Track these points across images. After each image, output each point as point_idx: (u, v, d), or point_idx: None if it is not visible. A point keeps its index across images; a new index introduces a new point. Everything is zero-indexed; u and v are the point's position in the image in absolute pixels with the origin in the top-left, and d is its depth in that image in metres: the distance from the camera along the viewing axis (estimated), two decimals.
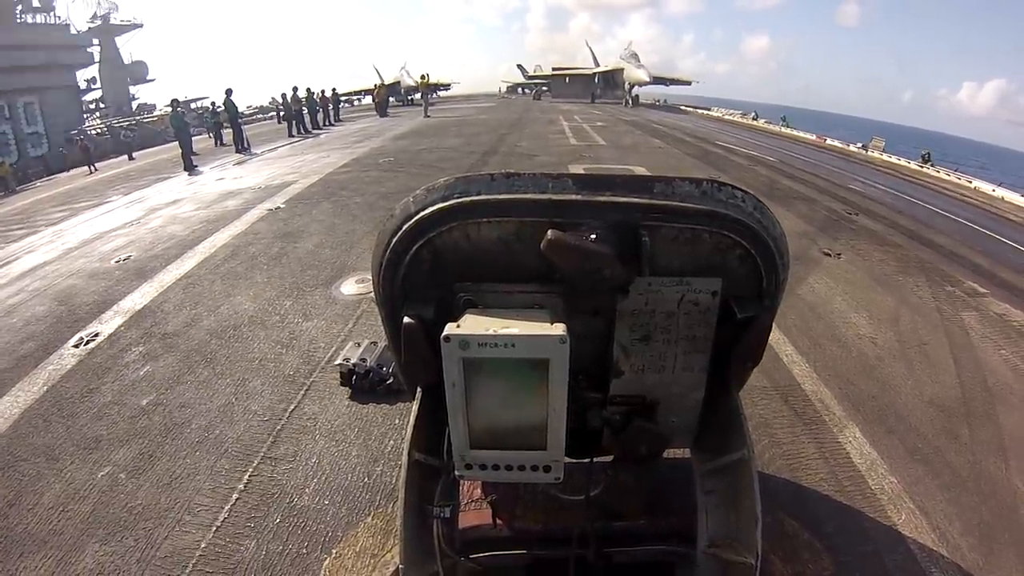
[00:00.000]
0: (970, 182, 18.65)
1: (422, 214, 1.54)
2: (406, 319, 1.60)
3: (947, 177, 19.56)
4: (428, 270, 1.63)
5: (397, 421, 3.64)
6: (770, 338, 4.90)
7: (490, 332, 1.41)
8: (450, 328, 1.43)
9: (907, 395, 4.31)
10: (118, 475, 3.26)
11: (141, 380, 4.20)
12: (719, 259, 1.62)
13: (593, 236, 1.42)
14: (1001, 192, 17.11)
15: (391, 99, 37.32)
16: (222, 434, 3.58)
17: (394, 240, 1.59)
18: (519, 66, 65.09)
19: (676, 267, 1.62)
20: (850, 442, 3.68)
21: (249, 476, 3.21)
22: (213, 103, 27.06)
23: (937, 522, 3.11)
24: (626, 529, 2.24)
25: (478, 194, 1.51)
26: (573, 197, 1.48)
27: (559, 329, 1.42)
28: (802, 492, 3.22)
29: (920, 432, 3.87)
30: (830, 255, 7.50)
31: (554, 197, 1.48)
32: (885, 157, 22.92)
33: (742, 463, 1.82)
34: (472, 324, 1.47)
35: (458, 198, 1.52)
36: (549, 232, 1.41)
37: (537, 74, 60.37)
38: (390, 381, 3.82)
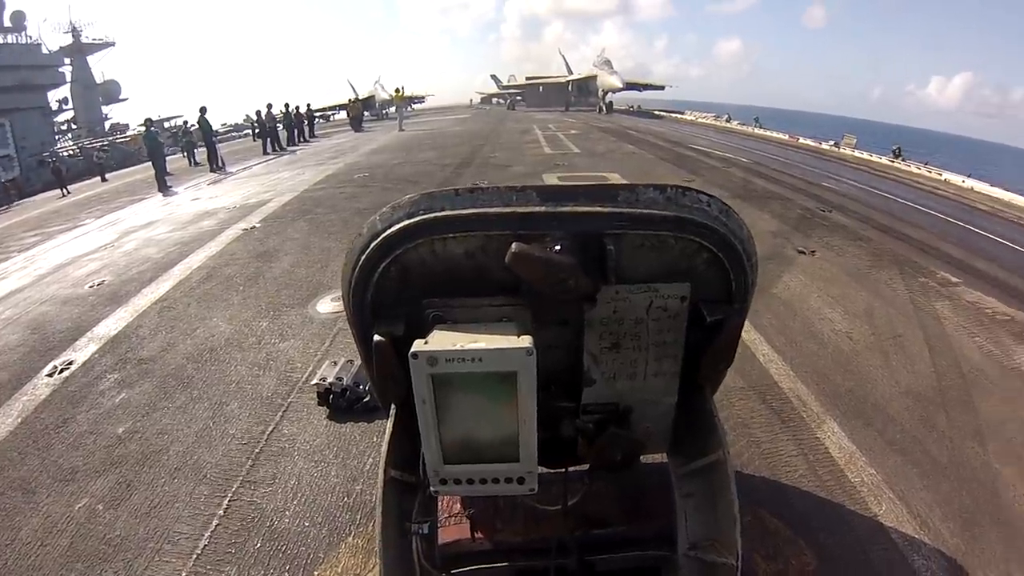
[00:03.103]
0: (940, 174, 18.99)
1: (388, 232, 1.54)
2: (376, 337, 1.60)
3: (918, 170, 19.90)
4: (396, 287, 1.62)
5: (375, 439, 3.61)
6: (746, 338, 4.94)
7: (457, 347, 1.41)
8: (418, 345, 1.43)
9: (884, 387, 4.37)
10: (95, 506, 3.20)
11: (117, 408, 4.13)
12: (686, 264, 1.62)
13: (558, 247, 1.43)
14: (971, 183, 17.45)
15: (366, 113, 37.25)
16: (200, 459, 3.53)
17: (362, 259, 1.58)
18: (493, 76, 65.47)
19: (643, 274, 1.63)
20: (828, 437, 3.72)
21: (229, 501, 3.17)
22: (187, 122, 26.78)
23: (918, 510, 3.15)
24: (607, 536, 2.24)
25: (443, 210, 1.51)
26: (537, 209, 1.49)
27: (525, 342, 1.43)
28: (783, 489, 3.24)
29: (898, 422, 3.93)
30: (804, 253, 7.60)
31: (518, 210, 1.49)
32: (857, 153, 23.26)
33: (718, 465, 1.83)
34: (440, 340, 1.47)
35: (423, 214, 1.51)
36: (513, 245, 1.41)
37: (511, 84, 60.74)
38: (367, 399, 3.80)
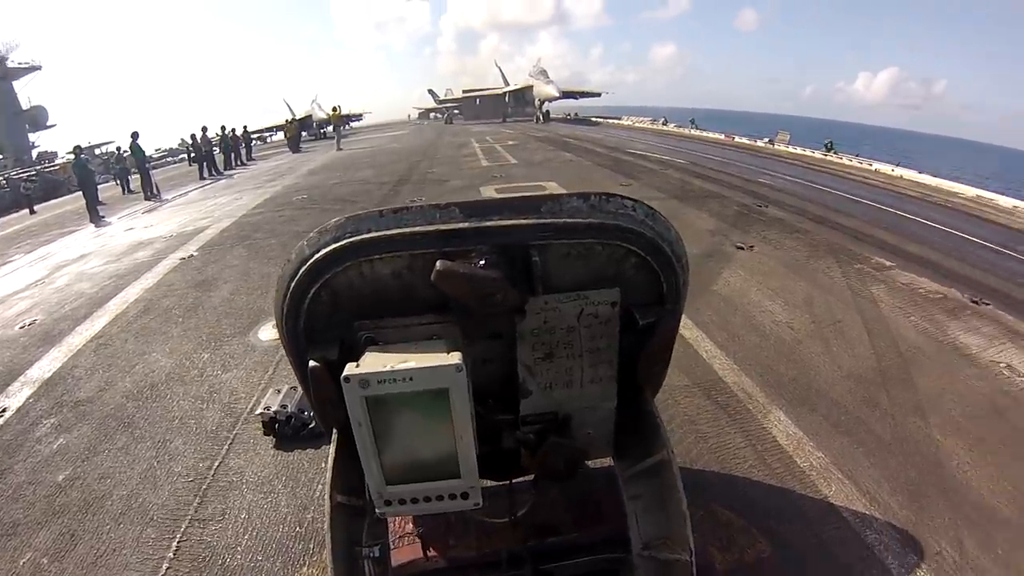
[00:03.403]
0: (871, 165, 19.81)
1: (316, 256, 1.53)
2: (311, 363, 1.59)
3: (849, 162, 20.69)
4: (328, 311, 1.61)
5: (323, 465, 3.50)
6: (688, 336, 5.05)
7: (388, 368, 1.41)
8: (349, 368, 1.42)
9: (826, 372, 4.52)
10: (40, 560, 3.03)
11: (56, 454, 3.92)
12: (615, 269, 1.64)
13: (482, 262, 1.43)
14: (900, 171, 18.27)
15: (303, 133, 36.74)
16: (146, 501, 3.38)
17: (292, 285, 1.57)
18: (430, 91, 65.44)
19: (572, 282, 1.64)
20: (775, 425, 3.82)
21: (178, 542, 3.05)
22: (119, 148, 25.71)
23: (867, 487, 3.27)
24: (560, 544, 2.24)
25: (368, 232, 1.50)
26: (461, 225, 1.49)
27: (455, 358, 1.43)
28: (734, 481, 3.31)
29: (842, 405, 4.07)
30: (743, 248, 7.80)
31: (442, 227, 1.48)
32: (791, 149, 24.05)
33: (664, 464, 1.85)
34: (371, 362, 1.46)
35: (349, 237, 1.50)
36: (438, 263, 1.42)
37: (448, 98, 60.77)
38: (312, 425, 3.73)
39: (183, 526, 3.16)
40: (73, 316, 6.51)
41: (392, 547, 2.22)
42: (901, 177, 17.62)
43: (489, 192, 12.09)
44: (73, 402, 4.58)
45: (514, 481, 2.09)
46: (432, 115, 64.51)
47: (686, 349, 4.85)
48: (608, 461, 2.21)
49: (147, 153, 22.05)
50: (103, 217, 14.46)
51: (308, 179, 16.96)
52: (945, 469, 3.45)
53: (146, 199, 17.23)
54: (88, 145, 31.92)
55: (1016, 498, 3.23)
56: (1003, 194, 15.14)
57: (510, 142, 24.74)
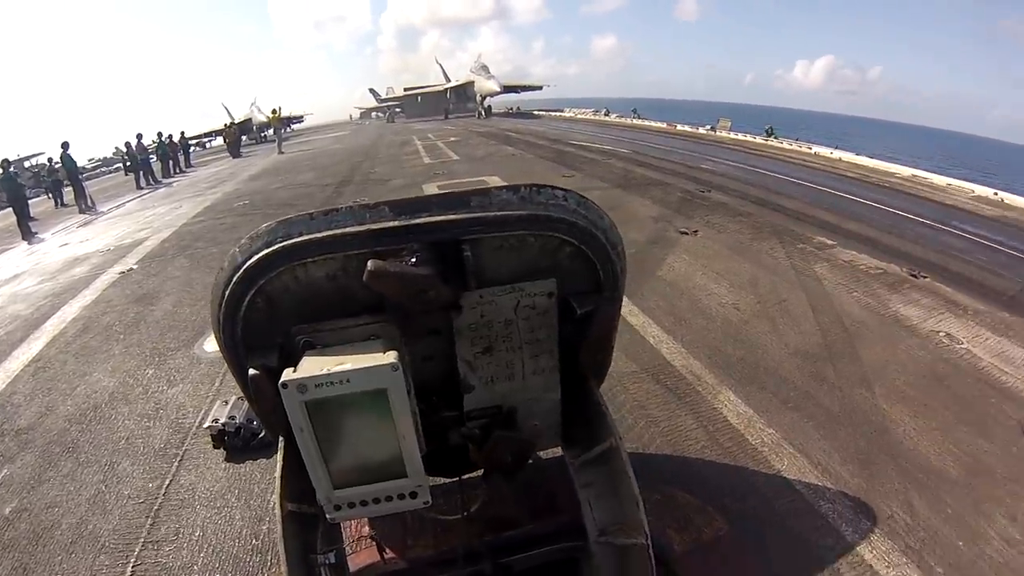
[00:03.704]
0: (810, 148, 20.36)
1: (249, 263, 1.50)
2: (251, 371, 1.56)
3: (790, 146, 21.22)
4: (265, 318, 1.58)
5: (276, 473, 3.47)
6: (635, 323, 5.09)
7: (324, 372, 1.39)
8: (287, 374, 1.41)
9: (774, 350, 4.65)
10: None
11: (0, 486, 3.73)
12: (550, 260, 1.65)
13: (413, 260, 1.42)
14: (839, 154, 18.84)
15: (243, 138, 35.86)
16: (97, 528, 3.25)
17: (227, 293, 1.54)
18: (371, 90, 64.92)
19: (507, 275, 1.64)
20: (725, 405, 3.90)
21: (132, 567, 2.94)
22: (51, 159, 24.46)
23: (818, 459, 3.38)
24: (517, 537, 2.26)
25: (300, 235, 1.48)
26: (391, 224, 1.47)
27: (390, 357, 1.42)
28: (687, 463, 3.37)
29: (790, 382, 4.19)
30: (687, 233, 7.94)
31: (372, 227, 1.47)
32: (733, 135, 24.52)
33: (612, 451, 1.87)
34: (309, 366, 1.44)
35: (281, 242, 1.48)
36: (369, 263, 1.40)
37: (389, 96, 60.48)
38: (263, 434, 3.65)
39: (136, 550, 3.05)
40: (8, 340, 6.20)
41: (349, 552, 2.20)
42: (840, 159, 18.15)
43: (431, 190, 12.03)
44: (14, 431, 4.36)
45: (465, 477, 2.09)
46: (374, 114, 63.98)
47: (633, 336, 4.92)
48: (560, 451, 2.22)
49: (80, 164, 21.15)
50: (36, 233, 13.80)
51: (249, 184, 16.62)
52: (893, 436, 3.59)
53: (81, 212, 16.51)
54: (16, 157, 30.33)
55: (961, 459, 3.39)
56: (937, 173, 15.82)
57: (452, 138, 24.68)
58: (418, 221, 1.48)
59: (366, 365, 1.40)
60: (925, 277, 6.31)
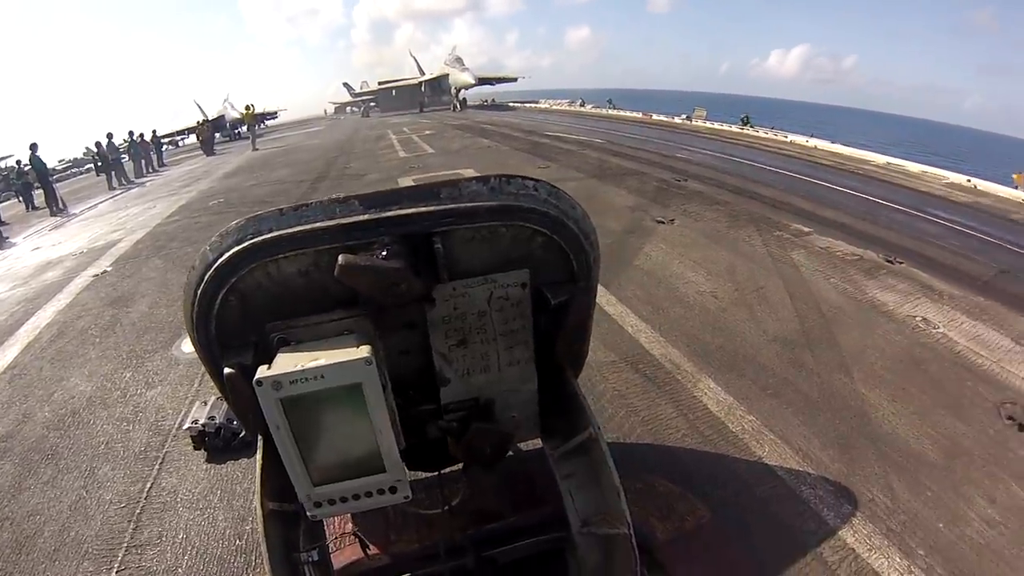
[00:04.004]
0: (786, 136, 20.51)
1: (220, 261, 1.50)
2: (227, 370, 1.56)
3: (766, 135, 21.35)
4: (239, 316, 1.58)
5: (256, 472, 3.45)
6: (612, 312, 5.09)
7: (298, 368, 1.39)
8: (261, 371, 1.40)
9: (752, 338, 4.69)
10: None
11: None
12: (522, 250, 1.65)
13: (384, 253, 1.42)
14: (814, 142, 18.98)
15: (217, 135, 35.38)
16: (79, 534, 3.21)
17: (199, 292, 1.54)
18: (346, 84, 64.41)
19: (479, 267, 1.65)
20: (705, 394, 3.93)
21: (116, 573, 2.91)
22: (19, 161, 23.90)
23: (799, 445, 3.42)
24: (501, 529, 2.26)
25: (270, 231, 1.48)
26: (360, 218, 1.47)
27: (364, 351, 1.42)
28: (668, 452, 3.39)
29: (769, 369, 4.23)
30: (663, 222, 7.96)
31: (343, 221, 1.47)
32: (709, 124, 24.62)
33: (591, 441, 1.89)
34: (283, 363, 1.44)
35: (252, 238, 1.48)
36: (340, 257, 1.39)
37: (364, 91, 60.03)
38: (243, 434, 3.61)
39: (120, 555, 3.02)
40: None
41: (332, 549, 2.19)
42: (816, 147, 18.28)
43: (407, 183, 11.92)
44: None
45: (446, 471, 2.09)
46: (349, 109, 63.52)
47: (611, 325, 4.94)
48: (539, 443, 2.23)
49: (50, 165, 20.72)
50: (7, 238, 13.52)
51: (224, 182, 16.42)
52: (872, 420, 3.64)
53: (52, 215, 16.21)
54: None
55: (939, 442, 3.45)
56: (911, 160, 16.02)
57: (427, 132, 24.55)
58: (388, 214, 1.48)
59: (340, 360, 1.40)
60: (901, 263, 6.39)
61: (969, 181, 12.79)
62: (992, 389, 4.00)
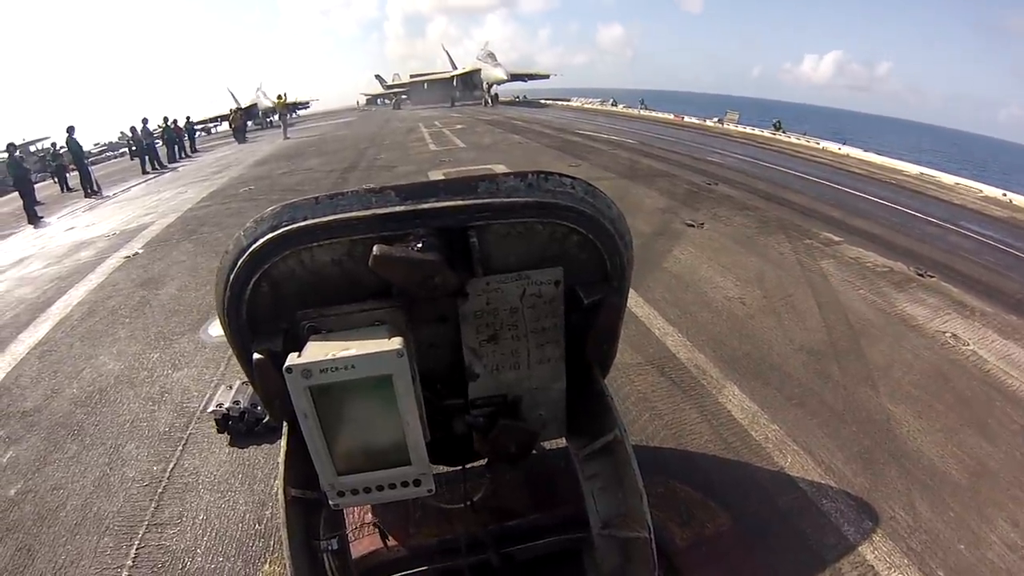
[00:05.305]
0: (818, 143, 20.19)
1: (254, 247, 1.50)
2: (255, 355, 1.56)
3: (798, 141, 21.06)
4: (270, 302, 1.58)
5: (280, 458, 3.48)
6: (640, 314, 5.06)
7: (329, 357, 1.38)
8: (291, 359, 1.40)
9: (779, 346, 4.63)
10: None
11: (5, 468, 3.75)
12: (557, 248, 1.64)
13: (419, 245, 1.41)
14: (847, 149, 18.69)
15: (249, 123, 35.90)
16: (101, 510, 3.27)
17: (231, 277, 1.54)
18: (378, 76, 64.63)
19: (513, 262, 1.64)
20: (730, 400, 3.89)
21: (136, 549, 2.97)
22: (55, 144, 24.41)
23: (821, 457, 3.36)
24: (521, 526, 2.26)
25: (305, 219, 1.48)
26: (397, 209, 1.47)
27: (396, 343, 1.41)
28: (690, 457, 3.36)
29: (795, 378, 4.17)
30: (693, 225, 7.90)
31: (378, 211, 1.46)
32: (740, 128, 24.35)
33: (617, 443, 1.87)
34: (314, 351, 1.44)
35: (286, 226, 1.48)
36: (374, 248, 1.39)
37: (396, 83, 60.13)
38: (266, 419, 3.65)
39: (140, 532, 3.08)
40: (15, 323, 6.23)
41: (352, 538, 2.20)
42: (847, 155, 17.99)
43: (437, 177, 11.98)
44: (20, 413, 4.38)
45: (469, 466, 2.08)
46: (380, 101, 63.87)
47: (638, 327, 4.91)
48: (563, 442, 2.22)
49: (85, 148, 21.12)
50: (42, 218, 13.84)
51: (255, 170, 16.56)
52: (896, 436, 3.57)
53: (86, 196, 16.56)
54: (23, 142, 30.35)
55: (964, 462, 3.37)
56: (946, 172, 15.66)
57: (458, 126, 24.55)
58: (424, 206, 1.47)
59: (371, 351, 1.40)
60: (932, 276, 6.26)
61: (1005, 195, 12.46)
62: (1021, 411, 3.90)
